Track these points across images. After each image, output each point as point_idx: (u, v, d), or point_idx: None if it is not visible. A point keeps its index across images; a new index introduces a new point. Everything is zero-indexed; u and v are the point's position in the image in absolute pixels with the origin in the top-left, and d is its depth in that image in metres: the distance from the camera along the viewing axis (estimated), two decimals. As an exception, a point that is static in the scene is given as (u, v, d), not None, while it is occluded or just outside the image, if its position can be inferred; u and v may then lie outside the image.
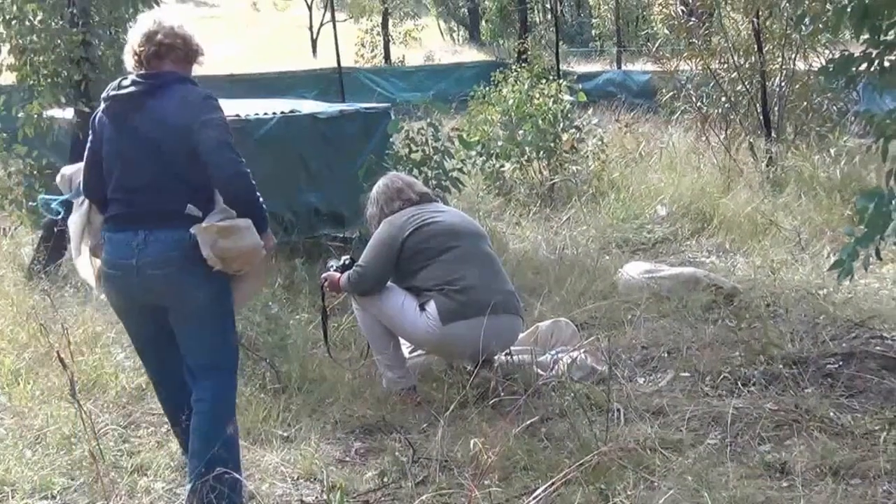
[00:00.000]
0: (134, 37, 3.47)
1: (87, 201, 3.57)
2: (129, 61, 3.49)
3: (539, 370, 4.56)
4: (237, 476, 3.22)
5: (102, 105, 3.47)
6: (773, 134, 9.69)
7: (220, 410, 3.36)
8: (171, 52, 3.44)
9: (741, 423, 4.01)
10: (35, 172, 6.68)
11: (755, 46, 9.73)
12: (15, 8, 6.23)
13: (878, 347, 4.82)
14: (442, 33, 38.22)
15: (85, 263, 3.64)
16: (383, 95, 18.31)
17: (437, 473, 3.60)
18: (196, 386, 3.38)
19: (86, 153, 3.53)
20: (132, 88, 3.39)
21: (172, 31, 3.45)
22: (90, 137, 3.52)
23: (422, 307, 4.38)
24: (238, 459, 3.39)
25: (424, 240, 4.48)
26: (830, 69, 4.19)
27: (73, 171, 3.72)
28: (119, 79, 3.50)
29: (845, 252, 3.89)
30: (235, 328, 3.58)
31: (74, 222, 3.62)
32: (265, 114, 6.68)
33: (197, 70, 3.58)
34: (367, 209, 4.84)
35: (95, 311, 5.35)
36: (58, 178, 3.82)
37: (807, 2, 5.08)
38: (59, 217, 3.81)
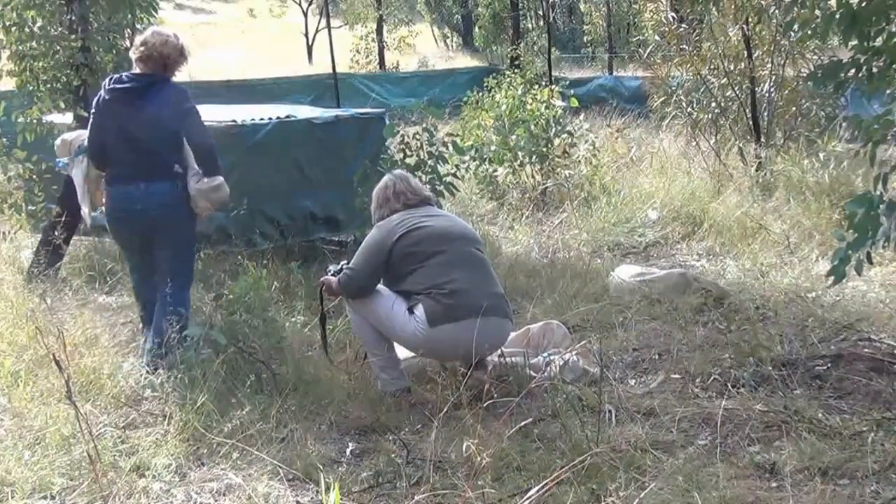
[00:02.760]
0: (136, 41, 4.77)
1: (86, 159, 4.84)
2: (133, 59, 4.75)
3: (532, 372, 4.59)
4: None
5: (105, 92, 4.70)
6: (762, 139, 9.71)
7: (180, 298, 4.80)
8: (150, 60, 4.68)
9: (731, 424, 4.04)
10: (34, 177, 6.68)
11: (745, 52, 9.75)
12: (15, 14, 6.25)
13: (866, 349, 4.84)
14: (436, 39, 38.21)
15: (86, 203, 4.94)
16: (378, 101, 18.33)
17: (431, 474, 3.61)
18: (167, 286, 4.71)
19: (90, 126, 4.77)
20: (131, 84, 4.67)
21: (156, 46, 4.67)
22: (93, 114, 4.75)
23: (410, 310, 4.42)
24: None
25: (413, 244, 4.52)
26: (819, 75, 4.21)
27: (73, 137, 5.00)
28: (118, 75, 4.80)
29: (838, 257, 3.92)
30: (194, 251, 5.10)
31: (77, 175, 4.92)
32: (261, 119, 6.69)
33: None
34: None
35: (94, 314, 5.39)
36: (58, 142, 5.07)
37: (796, 8, 5.12)
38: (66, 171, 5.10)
